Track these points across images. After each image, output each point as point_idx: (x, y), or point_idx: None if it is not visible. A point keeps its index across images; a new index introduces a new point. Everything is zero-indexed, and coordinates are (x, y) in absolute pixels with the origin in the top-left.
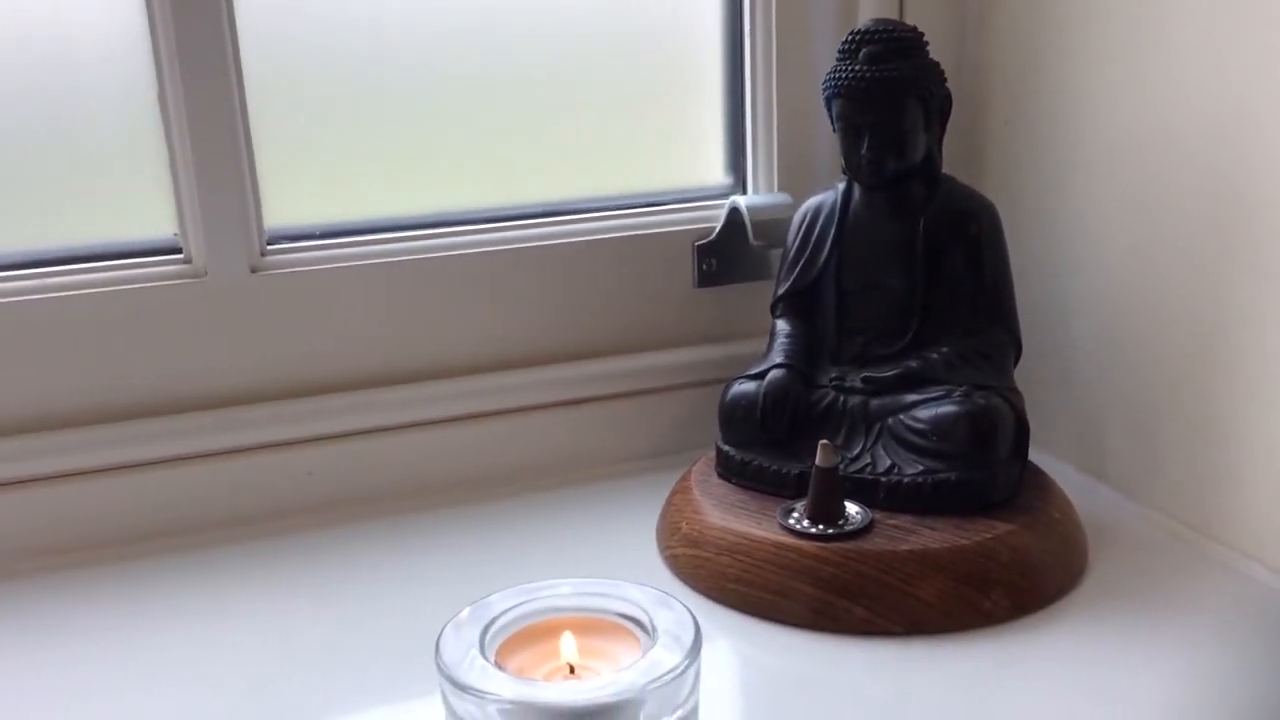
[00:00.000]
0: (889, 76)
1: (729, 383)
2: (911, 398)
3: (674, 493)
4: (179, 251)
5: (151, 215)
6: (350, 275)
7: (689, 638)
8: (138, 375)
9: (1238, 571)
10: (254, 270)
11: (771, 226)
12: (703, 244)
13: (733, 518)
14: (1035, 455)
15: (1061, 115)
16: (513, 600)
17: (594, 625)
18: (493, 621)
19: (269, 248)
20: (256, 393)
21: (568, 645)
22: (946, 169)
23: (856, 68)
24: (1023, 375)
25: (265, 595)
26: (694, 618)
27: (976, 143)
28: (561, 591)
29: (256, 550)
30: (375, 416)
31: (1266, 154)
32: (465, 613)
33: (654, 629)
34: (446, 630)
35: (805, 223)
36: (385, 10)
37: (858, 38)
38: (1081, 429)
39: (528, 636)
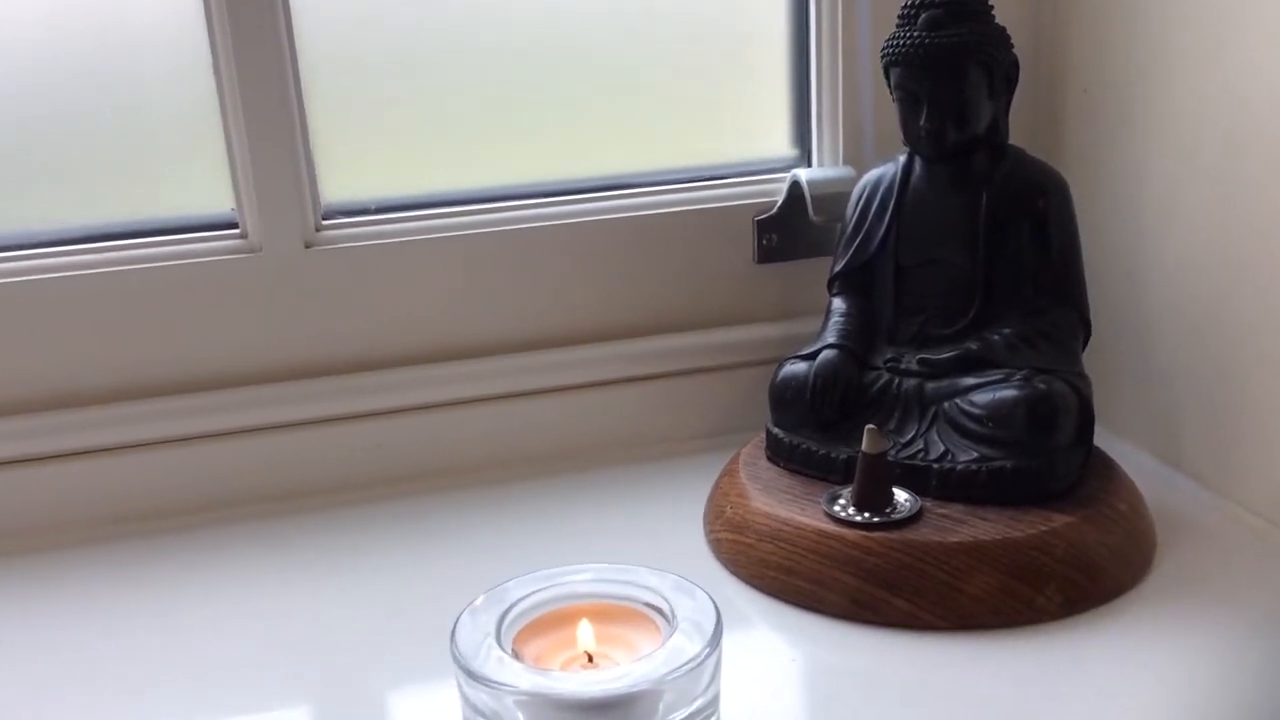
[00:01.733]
0: (948, 43)
1: (780, 363)
2: (969, 381)
3: (722, 475)
4: (236, 227)
5: (211, 191)
6: (405, 250)
7: (710, 625)
8: (192, 349)
9: None
10: (308, 245)
11: (832, 201)
12: (763, 219)
13: (776, 503)
14: (1111, 441)
15: (1144, 83)
16: (530, 587)
17: (613, 612)
18: (510, 609)
19: (324, 223)
20: (311, 368)
21: (585, 633)
22: (1019, 140)
23: (915, 34)
24: (1098, 357)
25: (311, 569)
26: (715, 605)
27: (1053, 112)
28: (580, 578)
29: (309, 524)
30: (430, 393)
31: None
32: (481, 599)
33: (674, 616)
34: (463, 617)
35: (864, 197)
36: None
37: (918, 2)
38: (1158, 415)
39: (545, 624)
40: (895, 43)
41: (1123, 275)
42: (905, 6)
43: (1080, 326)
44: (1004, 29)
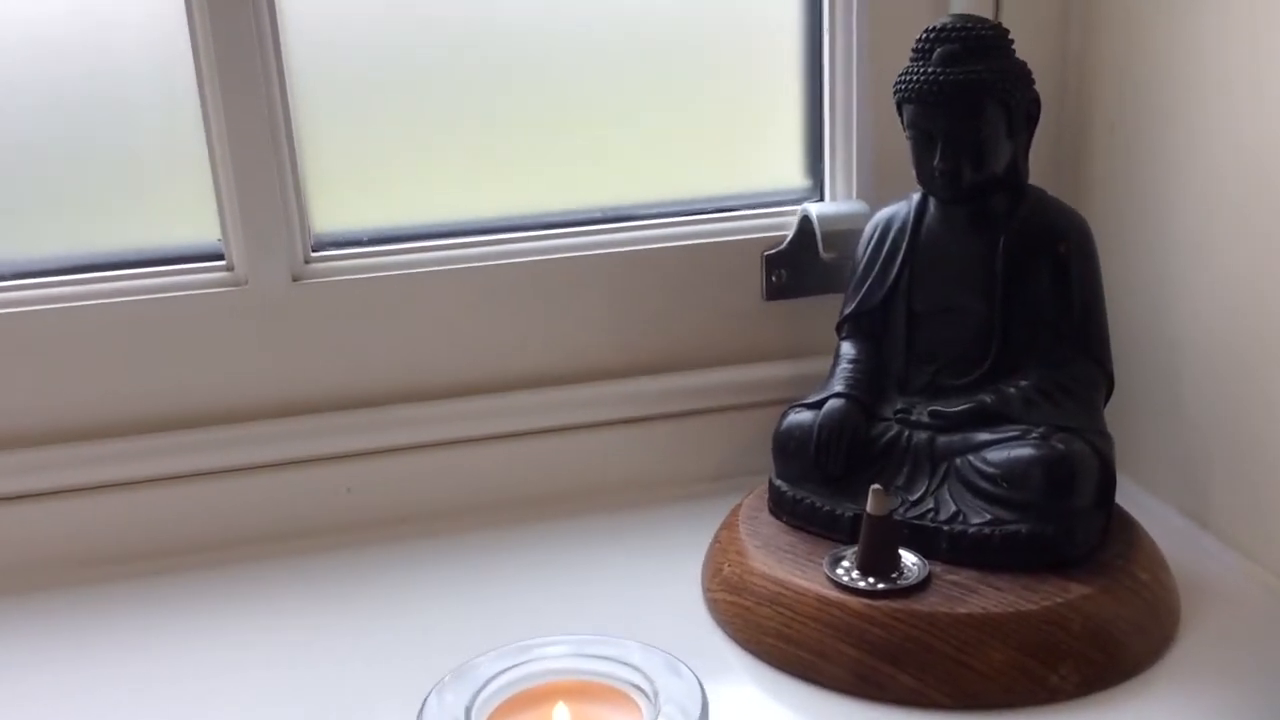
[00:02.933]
0: (965, 79)
1: (784, 411)
2: (983, 437)
3: (721, 528)
4: (221, 258)
5: (197, 220)
6: (399, 284)
7: (696, 710)
8: (174, 386)
9: None
10: (296, 278)
11: (844, 237)
12: (772, 254)
13: (776, 563)
14: (1134, 494)
15: (1173, 121)
16: (503, 663)
17: (592, 691)
18: (481, 688)
19: (314, 254)
20: (298, 405)
21: (561, 717)
22: (1043, 179)
23: (929, 69)
24: (1122, 405)
25: (283, 619)
26: (701, 688)
27: (1078, 150)
28: (557, 651)
29: (285, 570)
30: (422, 432)
31: None
32: (448, 677)
33: (657, 697)
34: (430, 699)
35: (875, 236)
36: (439, 10)
37: (932, 36)
38: (1185, 469)
39: (519, 704)
40: (908, 78)
41: (1149, 319)
42: (919, 40)
43: (1102, 380)
44: (1024, 64)
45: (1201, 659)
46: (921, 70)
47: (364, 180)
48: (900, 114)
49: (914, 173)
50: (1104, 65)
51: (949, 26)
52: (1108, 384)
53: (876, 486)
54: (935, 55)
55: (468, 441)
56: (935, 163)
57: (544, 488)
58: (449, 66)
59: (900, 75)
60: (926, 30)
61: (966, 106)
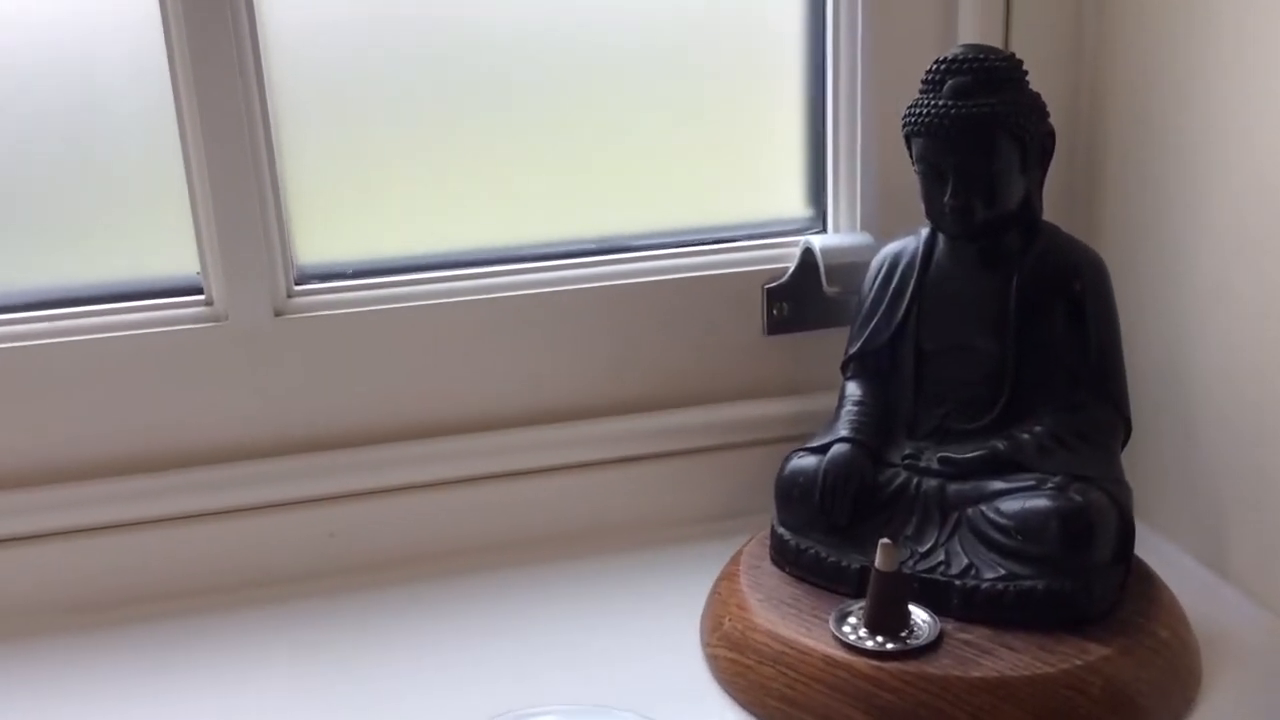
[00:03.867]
0: (977, 113)
1: (787, 455)
2: (996, 485)
3: (721, 577)
4: (200, 292)
5: (175, 253)
6: (386, 319)
7: None
8: (149, 426)
9: None
10: (279, 313)
11: (848, 271)
12: (774, 286)
13: (780, 619)
14: (1151, 542)
15: (1191, 153)
16: None
17: None
18: None
19: (296, 288)
20: (279, 446)
21: None
22: (1054, 213)
23: (940, 102)
24: (1137, 449)
25: (260, 670)
26: None
27: (1091, 183)
28: None
29: (264, 618)
30: (406, 474)
31: None
32: None
33: None
34: None
35: (882, 273)
36: (427, 31)
37: (943, 67)
38: (1202, 515)
39: None
40: (918, 111)
41: (1164, 361)
42: (929, 71)
43: (1120, 425)
44: (1038, 96)
45: None
46: (932, 102)
47: (350, 210)
48: (909, 146)
49: (922, 207)
50: (1117, 97)
51: (960, 57)
52: (1125, 430)
53: (886, 541)
54: (947, 87)
55: (456, 483)
56: (946, 198)
57: (536, 531)
58: (439, 93)
59: (909, 107)
60: (937, 61)
61: (979, 141)
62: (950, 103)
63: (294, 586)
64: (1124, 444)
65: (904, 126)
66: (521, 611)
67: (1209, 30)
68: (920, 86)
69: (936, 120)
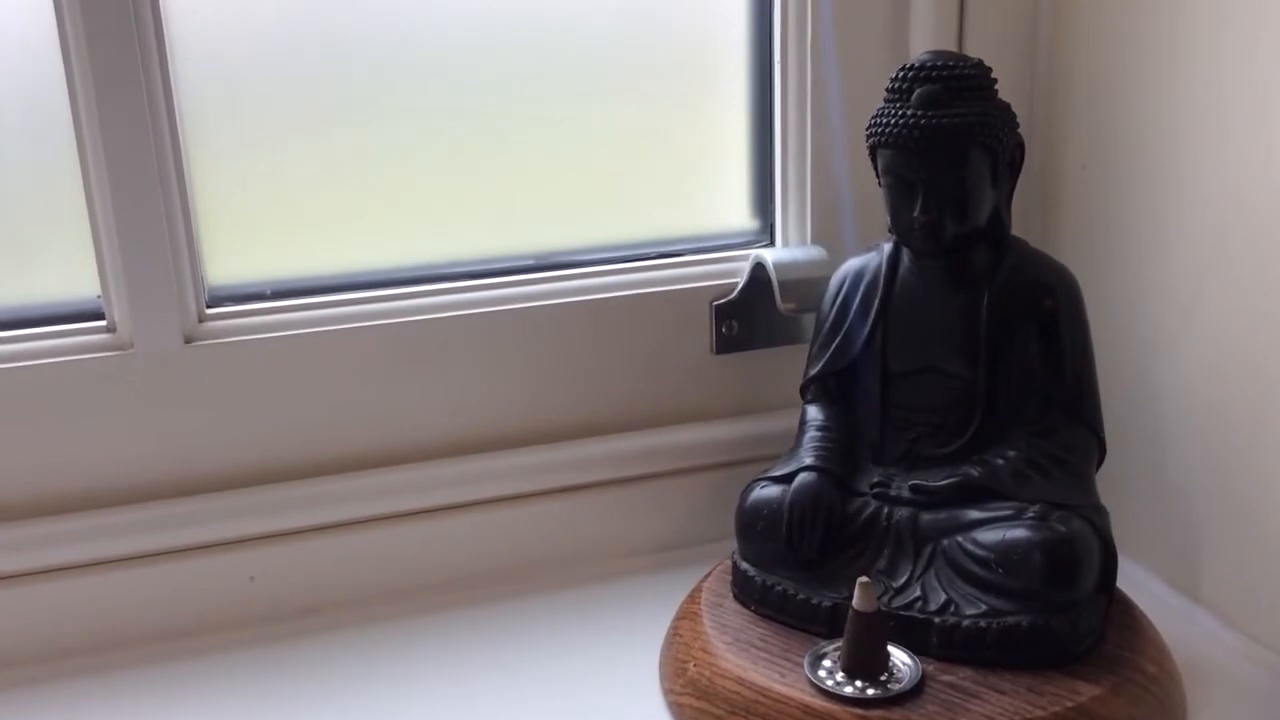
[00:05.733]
0: (949, 124)
1: (749, 485)
2: (973, 515)
3: (681, 616)
4: (101, 318)
5: (73, 274)
6: (305, 343)
7: None
8: (48, 464)
9: None
10: (189, 340)
11: (803, 287)
12: (722, 303)
13: (750, 664)
14: (1121, 564)
15: (1159, 163)
16: None
17: None
18: None
19: (208, 311)
20: (191, 485)
21: None
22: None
23: (909, 112)
24: (1105, 469)
25: None
26: None
27: (1048, 193)
28: None
29: (180, 672)
30: (330, 512)
31: None
32: None
33: None
34: None
35: (844, 290)
36: (348, 35)
37: (911, 75)
38: (1174, 538)
39: None
40: (885, 121)
41: (1132, 379)
42: (895, 79)
43: (1095, 448)
44: (1008, 105)
45: None
46: (899, 112)
47: (267, 226)
48: (873, 158)
49: (886, 221)
50: (1075, 105)
51: (929, 64)
52: (1100, 451)
53: (864, 580)
54: (915, 96)
55: (385, 520)
56: (915, 214)
57: (472, 570)
58: (361, 101)
59: (874, 117)
60: (903, 68)
61: (950, 153)
62: (920, 113)
63: (212, 637)
64: (1098, 466)
65: (869, 138)
66: (458, 658)
67: (1174, 33)
68: (885, 95)
69: (906, 131)
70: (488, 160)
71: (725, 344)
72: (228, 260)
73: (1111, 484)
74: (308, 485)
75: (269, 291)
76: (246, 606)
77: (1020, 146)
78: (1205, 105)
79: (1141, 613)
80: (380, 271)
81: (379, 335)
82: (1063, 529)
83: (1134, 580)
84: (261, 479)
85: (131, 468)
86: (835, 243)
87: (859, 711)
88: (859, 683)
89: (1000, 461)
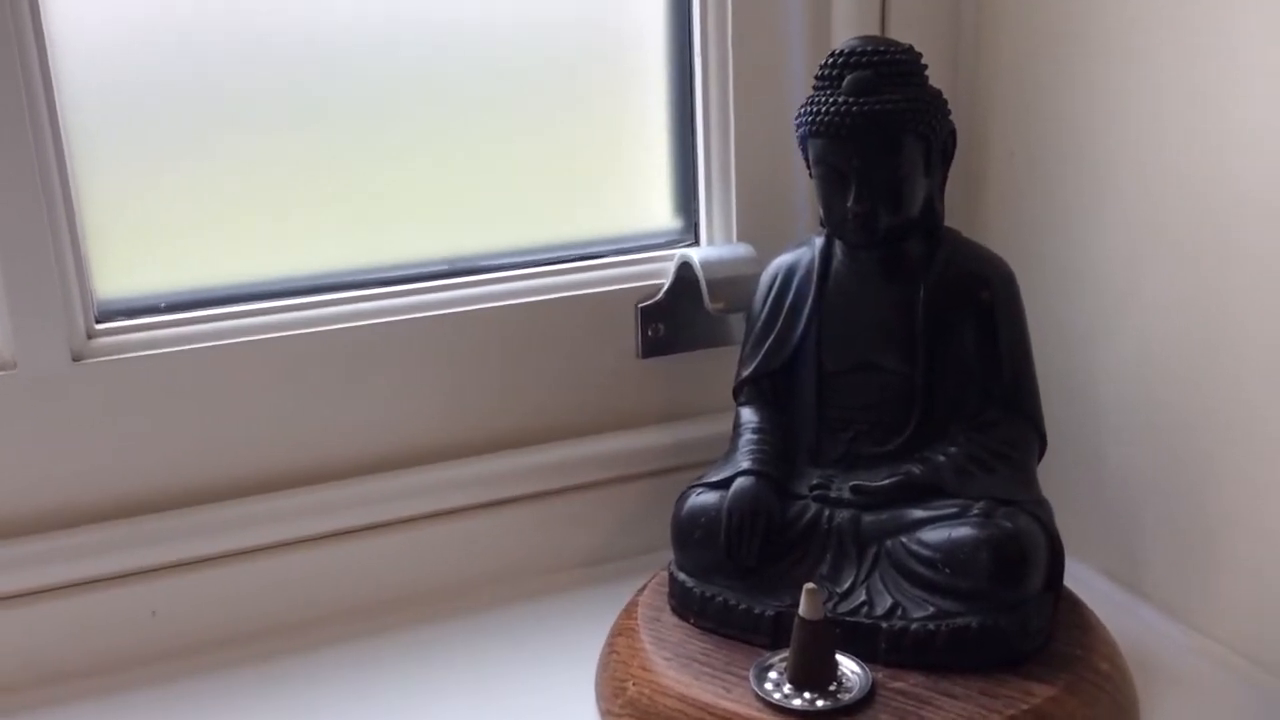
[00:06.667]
0: (880, 110)
1: (684, 493)
2: (916, 514)
3: (616, 632)
4: None
5: None
6: (202, 359)
7: None
8: None
9: None
10: (77, 357)
11: (731, 286)
12: (647, 305)
13: (693, 679)
14: None
15: (1091, 148)
16: None
17: None
18: None
19: (98, 327)
20: (84, 513)
21: None
22: None
23: (840, 99)
24: (1042, 464)
25: None
26: None
27: (973, 183)
28: None
29: (76, 714)
30: (237, 538)
31: None
32: None
33: None
34: None
35: (775, 287)
36: (249, 32)
37: (841, 61)
38: (1114, 532)
39: None
40: (816, 109)
41: (1066, 370)
42: (825, 65)
43: (1036, 441)
44: (940, 92)
45: None
46: (831, 100)
47: (159, 236)
48: (804, 148)
49: (820, 214)
50: (1000, 91)
51: (859, 50)
52: (1041, 445)
53: (811, 586)
54: (846, 83)
55: (294, 545)
56: (849, 204)
57: (389, 594)
58: (259, 107)
59: (804, 105)
60: (833, 54)
61: (884, 141)
62: (852, 100)
63: (110, 677)
64: (1039, 460)
65: (799, 127)
66: (378, 689)
67: (1103, 18)
68: (814, 83)
69: (838, 119)
70: (396, 164)
71: (651, 348)
72: (118, 273)
73: (1048, 478)
74: (211, 510)
75: (163, 305)
76: (148, 643)
77: (953, 134)
78: (1139, 92)
79: (1089, 609)
80: (282, 281)
81: (283, 348)
82: (1009, 525)
83: (1075, 576)
84: (160, 505)
85: (17, 497)
86: (762, 240)
87: None
88: (808, 694)
89: (942, 458)
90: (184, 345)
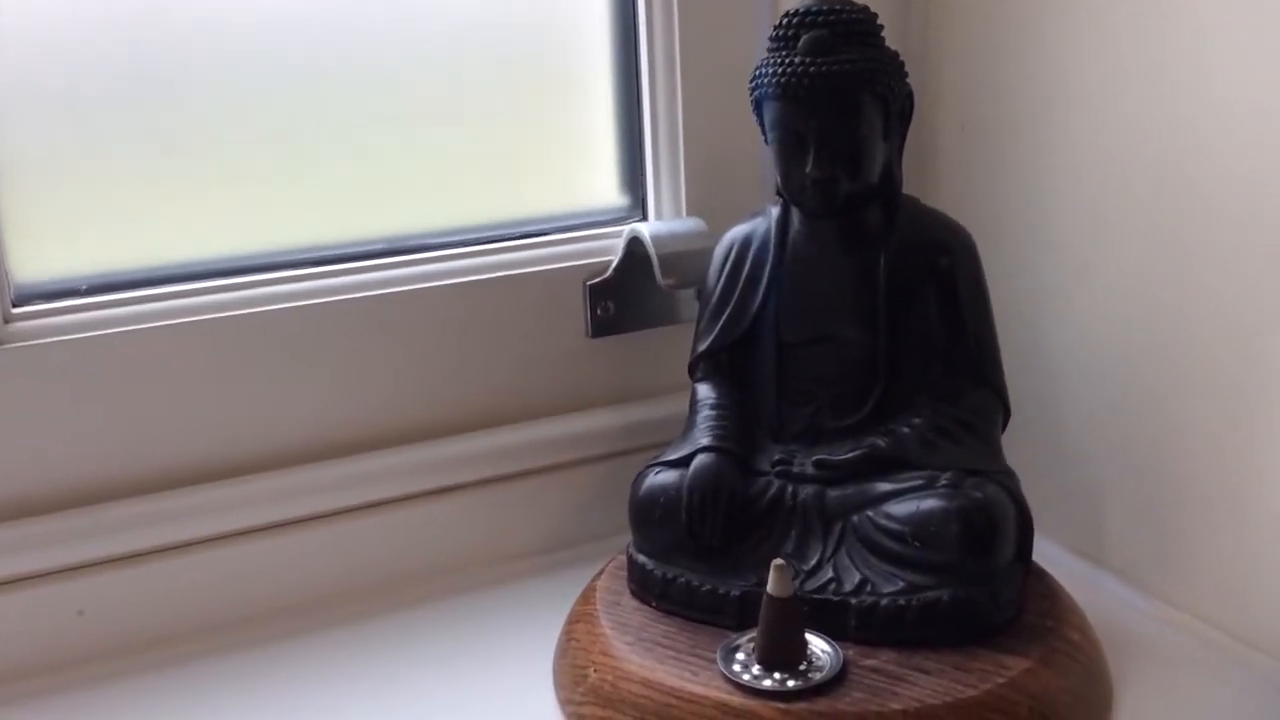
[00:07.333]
0: (839, 70)
1: (641, 472)
2: (882, 487)
3: (574, 619)
4: None
5: None
6: (130, 342)
7: None
8: None
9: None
10: None
11: (683, 260)
12: (596, 283)
13: (657, 663)
14: None
15: (1036, 115)
16: None
17: None
18: None
19: (15, 310)
20: (6, 509)
21: None
22: None
23: (797, 59)
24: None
25: None
26: None
27: (925, 155)
28: None
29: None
30: (169, 531)
31: None
32: None
33: None
34: None
35: (731, 259)
36: (174, 9)
37: (796, 21)
38: (1075, 502)
39: None
40: (771, 71)
41: (1025, 339)
42: (779, 26)
43: (1000, 410)
44: (897, 54)
45: None
46: (786, 61)
47: (81, 216)
48: (759, 114)
49: (778, 182)
50: (950, 61)
51: (814, 10)
52: (1005, 415)
53: (779, 562)
54: (802, 42)
55: (233, 537)
56: (808, 170)
57: (336, 586)
58: (187, 80)
59: (759, 68)
60: (787, 14)
61: (842, 102)
62: (809, 60)
63: (37, 680)
64: (1003, 429)
65: (753, 90)
66: (328, 685)
67: None
68: (769, 45)
69: (795, 80)
70: (335, 141)
71: (601, 326)
72: (38, 253)
73: (1008, 449)
74: (142, 503)
75: (85, 287)
76: (75, 643)
77: (910, 96)
78: (1095, 58)
79: (1055, 580)
80: (214, 261)
81: (214, 331)
82: (978, 495)
83: (1036, 549)
84: (86, 499)
85: None
86: (713, 213)
87: (781, 705)
88: (778, 674)
89: (906, 430)
90: (108, 329)
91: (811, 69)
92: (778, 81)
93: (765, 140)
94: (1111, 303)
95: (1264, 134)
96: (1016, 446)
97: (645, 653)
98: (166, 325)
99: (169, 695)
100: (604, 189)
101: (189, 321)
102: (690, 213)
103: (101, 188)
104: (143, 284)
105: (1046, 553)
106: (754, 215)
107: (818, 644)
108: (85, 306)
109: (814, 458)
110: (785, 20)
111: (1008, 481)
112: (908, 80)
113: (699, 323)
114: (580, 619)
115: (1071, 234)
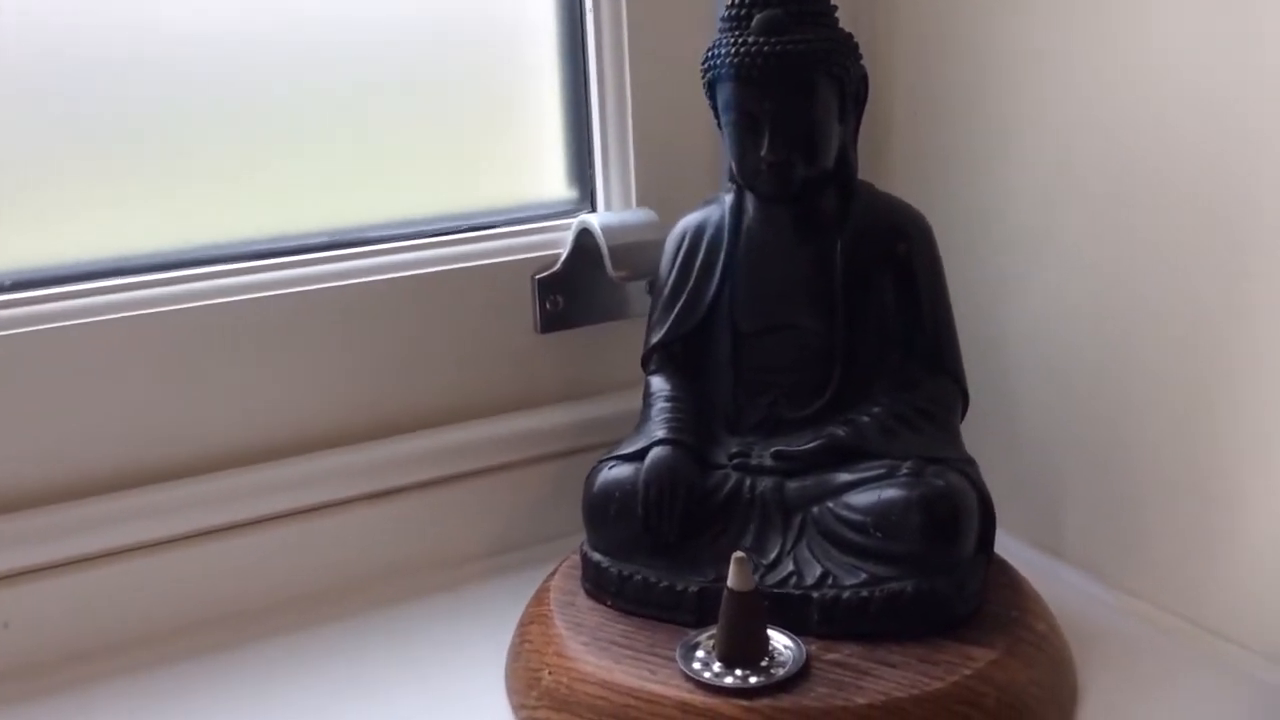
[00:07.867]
0: (794, 50)
1: (595, 467)
2: (842, 478)
3: (528, 620)
4: None
5: None
6: (50, 341)
7: None
8: None
9: (1243, 674)
10: None
11: (634, 252)
12: (545, 277)
13: (614, 664)
14: None
15: (986, 98)
16: None
17: None
18: None
19: None
20: None
21: None
22: None
23: (750, 40)
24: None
25: None
26: None
27: (875, 142)
28: None
29: None
30: (98, 539)
31: (1266, 142)
32: None
33: None
34: None
35: (684, 248)
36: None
37: (749, 0)
38: (1032, 492)
39: None
40: (724, 51)
41: (979, 326)
42: (732, 6)
43: (959, 398)
44: (851, 35)
45: (1112, 712)
46: (739, 41)
47: (5, 207)
48: (712, 97)
49: (731, 167)
50: (901, 46)
51: None
52: (964, 403)
53: (740, 555)
54: (756, 22)
55: (166, 544)
56: (762, 153)
57: (278, 593)
58: (130, 68)
59: (711, 49)
60: None
61: (797, 82)
62: (762, 40)
63: None
64: (962, 418)
65: (705, 72)
66: (267, 697)
67: None
68: (720, 25)
69: (749, 60)
70: (272, 131)
71: (550, 321)
72: None
73: (965, 441)
74: (70, 509)
75: (8, 283)
76: (1, 658)
77: (864, 79)
78: (1045, 37)
79: (1015, 570)
80: (145, 256)
81: (145, 327)
82: (940, 483)
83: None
84: (9, 506)
85: None
86: (663, 205)
87: (743, 703)
88: (739, 671)
89: (866, 419)
90: (29, 327)
91: (765, 49)
92: (731, 62)
93: (718, 124)
94: (1065, 287)
95: (1220, 113)
96: (971, 435)
97: (601, 653)
98: (95, 322)
99: (99, 712)
100: (552, 181)
101: (118, 318)
102: (640, 204)
103: (26, 180)
104: (68, 280)
105: (1005, 545)
106: (707, 203)
107: (779, 639)
108: (7, 303)
109: (772, 449)
110: (738, 0)
111: (969, 470)
112: (862, 63)
113: (651, 314)
114: (533, 620)
115: (1023, 215)
